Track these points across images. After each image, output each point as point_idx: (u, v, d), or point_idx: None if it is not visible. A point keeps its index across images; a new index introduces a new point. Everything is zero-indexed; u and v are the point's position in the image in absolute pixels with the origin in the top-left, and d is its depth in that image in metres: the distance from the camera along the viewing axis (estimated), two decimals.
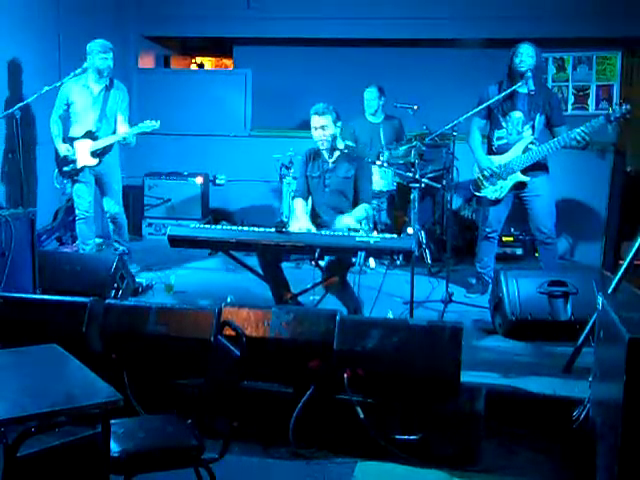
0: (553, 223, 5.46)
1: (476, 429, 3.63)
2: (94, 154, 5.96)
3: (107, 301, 4.12)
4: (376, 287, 4.78)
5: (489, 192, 5.48)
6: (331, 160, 4.97)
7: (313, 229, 4.78)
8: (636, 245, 3.70)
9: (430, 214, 7.46)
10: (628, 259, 3.71)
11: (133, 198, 7.80)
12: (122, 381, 3.73)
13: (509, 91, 5.26)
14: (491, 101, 5.29)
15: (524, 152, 5.34)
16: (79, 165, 5.96)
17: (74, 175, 6.00)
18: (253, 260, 4.92)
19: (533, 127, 5.37)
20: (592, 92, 7.72)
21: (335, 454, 3.67)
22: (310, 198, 5.13)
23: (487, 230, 5.60)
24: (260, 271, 4.90)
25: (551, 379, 4.06)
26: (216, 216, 7.95)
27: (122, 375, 3.77)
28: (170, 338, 3.83)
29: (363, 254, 4.44)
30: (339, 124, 4.93)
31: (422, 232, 6.57)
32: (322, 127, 4.84)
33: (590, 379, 3.49)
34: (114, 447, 2.62)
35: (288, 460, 3.65)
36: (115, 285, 5.25)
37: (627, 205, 6.95)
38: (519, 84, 5.23)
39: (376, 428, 3.61)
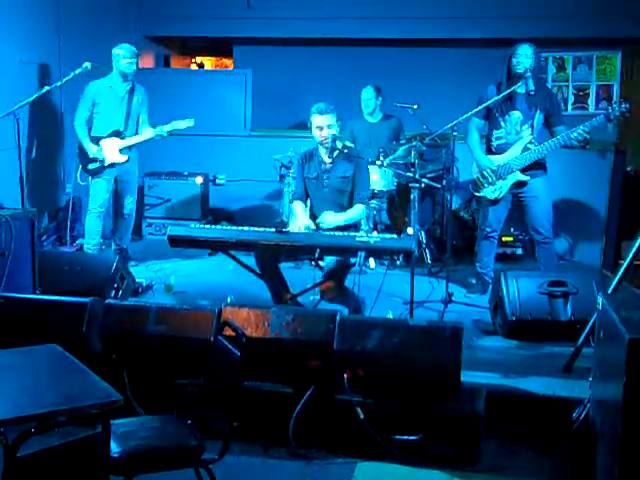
0: (550, 223, 5.46)
1: (476, 429, 3.63)
2: (123, 151, 6.17)
3: (107, 301, 4.12)
4: (376, 287, 4.77)
5: (488, 192, 5.49)
6: (329, 160, 4.96)
7: (313, 226, 4.77)
8: (636, 245, 3.70)
9: (430, 214, 7.45)
10: (628, 259, 3.71)
11: None
12: (122, 381, 3.73)
13: (508, 91, 5.26)
14: (490, 101, 5.29)
15: (523, 152, 5.34)
16: (107, 162, 6.13)
17: (98, 172, 6.16)
18: (253, 260, 4.91)
19: (532, 127, 5.37)
20: (592, 92, 7.72)
21: (335, 454, 3.67)
22: (309, 200, 5.13)
23: (487, 230, 5.60)
24: (259, 271, 4.89)
25: (551, 379, 4.06)
26: (216, 216, 7.95)
27: (122, 375, 3.77)
28: (170, 338, 3.83)
29: (363, 254, 4.44)
30: (339, 124, 4.93)
31: (422, 232, 6.57)
32: (326, 126, 4.84)
33: (590, 379, 3.49)
34: (114, 447, 2.62)
35: (288, 460, 3.65)
36: (115, 285, 5.25)
37: (627, 205, 6.94)
38: (518, 84, 5.23)
39: (376, 428, 3.61)
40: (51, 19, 6.87)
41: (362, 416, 3.62)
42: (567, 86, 7.79)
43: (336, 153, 4.96)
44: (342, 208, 4.94)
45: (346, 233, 4.55)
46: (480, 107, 5.32)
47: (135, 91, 6.27)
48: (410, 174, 5.92)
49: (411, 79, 7.92)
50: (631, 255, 3.71)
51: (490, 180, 5.45)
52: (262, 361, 3.72)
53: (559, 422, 3.67)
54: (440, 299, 5.32)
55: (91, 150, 6.11)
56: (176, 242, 4.71)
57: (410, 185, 6.15)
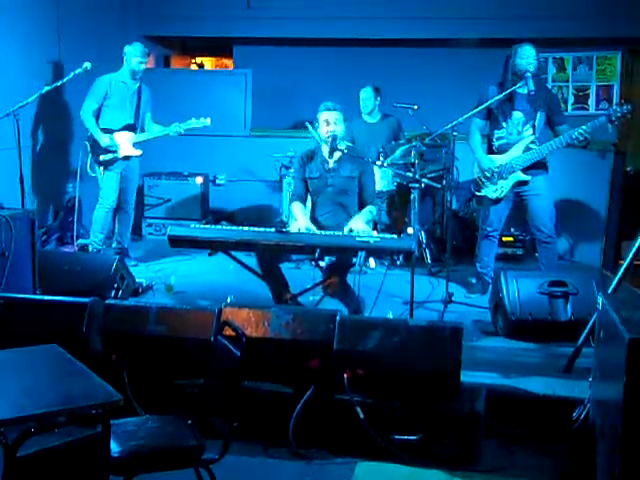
0: (553, 222, 5.46)
1: (476, 429, 3.63)
2: (135, 146, 6.27)
3: (107, 301, 4.12)
4: (376, 287, 4.77)
5: (489, 192, 5.49)
6: (332, 160, 4.96)
7: (313, 228, 4.77)
8: (636, 245, 3.70)
9: (430, 214, 7.46)
10: (628, 259, 3.71)
11: None
12: (122, 381, 3.72)
13: (509, 91, 5.26)
14: (491, 101, 5.29)
15: (525, 152, 5.34)
16: (121, 155, 6.21)
17: (109, 165, 6.22)
18: (253, 260, 4.92)
19: (533, 127, 5.37)
20: (592, 92, 7.71)
21: (335, 454, 3.67)
22: (310, 200, 5.13)
23: (488, 229, 5.61)
24: (259, 271, 4.89)
25: (551, 379, 4.06)
26: (216, 216, 7.94)
27: (122, 375, 3.77)
28: (170, 338, 3.82)
29: (363, 254, 4.44)
30: (345, 124, 4.94)
31: (422, 232, 6.57)
32: (334, 122, 4.85)
33: (590, 379, 3.49)
34: (114, 447, 2.62)
35: (288, 460, 3.65)
36: (115, 285, 5.25)
37: (627, 205, 6.95)
38: (519, 85, 5.23)
39: (376, 428, 3.61)
40: (51, 19, 6.87)
41: (362, 416, 3.62)
42: (567, 86, 7.79)
43: (339, 154, 4.95)
44: (344, 209, 4.95)
45: (346, 233, 4.55)
46: (481, 107, 5.32)
47: (142, 90, 6.38)
48: (410, 174, 5.92)
49: (411, 79, 7.92)
50: (631, 255, 3.70)
51: (491, 180, 5.45)
52: (262, 361, 3.72)
53: (559, 422, 3.67)
54: (440, 299, 5.33)
55: (103, 140, 6.17)
56: (176, 242, 4.71)
57: (410, 185, 6.16)
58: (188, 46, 9.96)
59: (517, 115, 5.39)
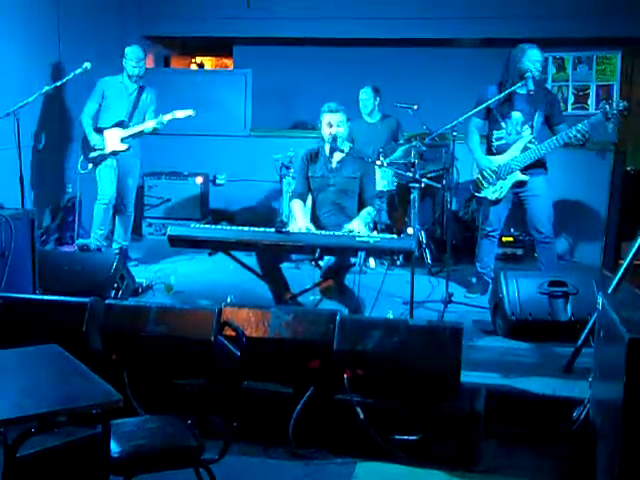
0: (551, 223, 5.46)
1: (476, 429, 3.62)
2: (124, 141, 6.25)
3: (107, 301, 4.12)
4: (376, 287, 4.77)
5: (489, 192, 5.49)
6: (335, 160, 4.97)
7: (312, 228, 4.77)
8: (636, 245, 3.69)
9: (430, 214, 7.46)
10: (628, 259, 3.71)
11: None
12: (122, 381, 3.73)
13: (508, 91, 5.26)
14: (490, 101, 5.29)
15: (523, 151, 5.34)
16: (107, 150, 6.22)
17: (99, 161, 6.24)
18: (253, 260, 4.92)
19: (532, 127, 5.37)
20: (592, 92, 7.72)
21: (335, 454, 3.67)
22: (311, 199, 5.13)
23: (487, 229, 5.61)
24: (259, 271, 4.90)
25: (551, 379, 4.06)
26: (216, 216, 7.94)
27: (122, 375, 3.77)
28: (170, 338, 3.82)
29: (363, 254, 4.44)
30: (348, 125, 4.94)
31: (422, 232, 6.57)
32: (336, 124, 4.85)
33: (590, 379, 3.49)
34: (114, 447, 2.62)
35: (288, 460, 3.65)
36: (115, 285, 5.25)
37: (627, 205, 6.95)
38: (518, 85, 5.23)
39: (376, 428, 3.61)
40: (51, 19, 6.87)
41: (362, 416, 3.62)
42: (567, 86, 7.79)
43: (342, 155, 4.95)
44: (343, 209, 4.95)
45: (346, 233, 4.55)
46: (480, 107, 5.32)
47: (145, 90, 6.40)
48: (410, 174, 5.92)
49: (411, 79, 7.91)
50: (631, 255, 3.70)
51: (490, 180, 5.45)
52: (262, 361, 3.72)
53: (559, 422, 3.67)
54: (440, 299, 5.32)
55: (93, 138, 6.22)
56: (176, 242, 4.71)
57: (410, 185, 6.16)
58: (188, 46, 9.96)
59: (516, 115, 5.39)
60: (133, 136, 6.30)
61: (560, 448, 3.66)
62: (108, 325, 3.92)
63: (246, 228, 4.69)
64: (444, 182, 6.56)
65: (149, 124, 6.29)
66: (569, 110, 7.66)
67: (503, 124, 5.44)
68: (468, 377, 3.78)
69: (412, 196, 6.34)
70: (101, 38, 6.57)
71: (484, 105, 5.31)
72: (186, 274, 6.31)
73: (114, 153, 6.26)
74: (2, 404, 2.31)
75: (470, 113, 5.31)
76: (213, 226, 4.88)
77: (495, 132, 5.50)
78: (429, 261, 6.50)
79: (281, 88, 8.46)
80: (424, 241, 6.56)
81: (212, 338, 3.59)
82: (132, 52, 6.28)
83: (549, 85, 7.57)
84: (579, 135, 5.13)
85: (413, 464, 3.58)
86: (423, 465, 3.58)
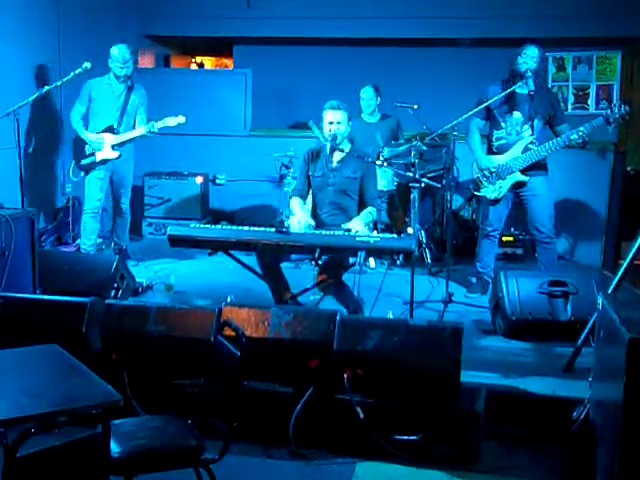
0: (552, 223, 5.46)
1: (476, 429, 3.62)
2: (114, 148, 6.14)
3: (107, 301, 4.12)
4: (376, 287, 4.78)
5: (488, 192, 5.49)
6: (336, 159, 4.96)
7: (311, 222, 4.78)
8: (636, 245, 3.70)
9: (430, 214, 7.46)
10: (628, 259, 3.71)
11: (133, 198, 7.78)
12: (122, 381, 3.73)
13: (508, 91, 5.26)
14: (491, 101, 5.29)
15: (524, 152, 5.34)
16: (98, 158, 6.13)
17: (90, 169, 6.16)
18: (253, 260, 4.92)
19: (532, 127, 5.37)
20: (592, 92, 7.71)
21: (335, 454, 3.66)
22: (311, 197, 5.13)
23: (488, 229, 5.61)
24: (259, 271, 4.90)
25: (551, 379, 4.06)
26: (216, 216, 7.94)
27: (122, 375, 3.77)
28: (170, 338, 3.82)
29: (363, 254, 4.43)
30: (350, 123, 4.94)
31: (422, 232, 6.57)
32: (337, 122, 4.84)
33: (590, 379, 3.49)
34: (114, 447, 2.62)
35: (288, 460, 3.65)
36: (115, 285, 5.25)
37: (627, 205, 6.95)
38: (518, 84, 5.23)
39: (376, 428, 3.61)
40: (51, 19, 6.87)
41: (362, 416, 3.62)
42: (567, 86, 7.79)
43: (343, 154, 4.94)
44: (343, 208, 4.95)
45: (346, 233, 4.55)
46: (480, 107, 5.32)
47: (133, 91, 6.26)
48: (410, 174, 5.92)
49: (411, 79, 7.92)
50: (631, 255, 3.70)
51: (490, 180, 5.45)
52: (262, 361, 3.72)
53: (559, 422, 3.67)
54: (440, 299, 5.33)
55: (90, 138, 6.12)
56: (176, 242, 4.71)
57: (410, 185, 6.16)
58: (188, 46, 9.96)
59: (516, 115, 5.39)
60: (124, 143, 6.18)
61: (560, 448, 3.66)
62: (108, 325, 3.92)
63: (246, 228, 4.70)
64: (444, 182, 6.56)
65: (139, 131, 6.18)
66: (569, 110, 7.66)
67: (503, 124, 5.44)
68: (468, 377, 3.78)
69: (412, 196, 6.34)
70: (101, 38, 6.55)
71: (484, 105, 5.31)
72: (186, 274, 6.31)
73: (104, 161, 6.16)
74: (2, 404, 2.31)
75: (470, 113, 5.31)
76: (213, 226, 4.87)
77: (495, 132, 5.50)
78: (429, 261, 6.50)
79: (281, 88, 8.47)
80: (424, 241, 6.56)
81: (212, 338, 3.59)
82: (118, 52, 6.08)
83: (549, 85, 7.56)
84: (579, 139, 5.13)
85: (413, 464, 3.58)
86: (423, 465, 3.57)
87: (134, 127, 6.27)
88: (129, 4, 8.26)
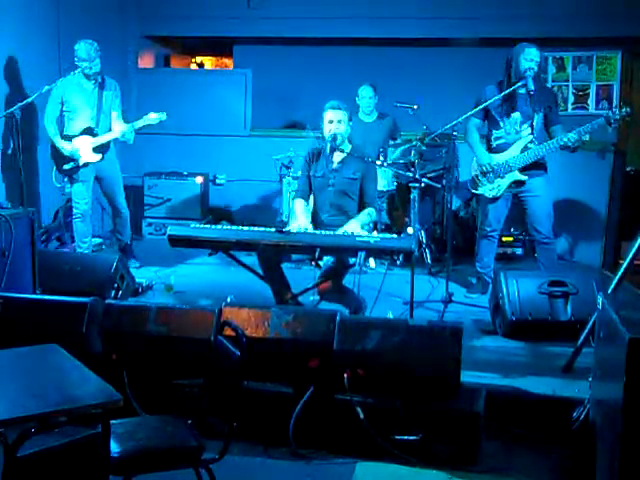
0: (551, 223, 5.46)
1: (476, 429, 3.62)
2: (96, 150, 6.02)
3: (107, 301, 4.13)
4: (376, 287, 4.77)
5: (486, 190, 5.49)
6: (337, 160, 4.96)
7: (310, 227, 4.78)
8: (636, 245, 3.69)
9: (430, 214, 7.46)
10: (628, 259, 3.71)
11: (133, 198, 7.79)
12: (122, 381, 3.73)
13: (508, 91, 5.26)
14: (490, 101, 5.29)
15: (523, 151, 5.34)
16: (81, 162, 6.00)
17: (73, 174, 6.04)
18: (253, 260, 4.92)
19: (532, 126, 5.37)
20: (592, 92, 7.71)
21: (335, 454, 3.67)
22: (312, 198, 5.13)
23: (487, 229, 5.61)
24: (260, 271, 4.90)
25: (551, 379, 4.06)
26: (216, 216, 7.95)
27: (122, 375, 3.77)
28: (170, 338, 3.82)
29: (363, 254, 4.44)
30: (351, 124, 4.93)
31: (422, 232, 6.57)
32: (337, 121, 4.84)
33: (590, 379, 3.49)
34: (114, 447, 2.62)
35: (288, 460, 3.65)
36: (115, 285, 5.25)
37: (627, 205, 6.95)
38: (518, 84, 5.23)
39: (376, 428, 3.61)
40: (51, 19, 6.87)
41: (362, 416, 3.62)
42: (567, 86, 7.79)
43: (344, 155, 4.94)
44: (343, 209, 4.94)
45: (346, 233, 4.56)
46: (479, 107, 5.32)
47: (105, 86, 6.05)
48: (410, 174, 5.92)
49: (411, 79, 7.92)
50: (631, 255, 3.70)
51: (488, 178, 5.45)
52: (262, 361, 3.72)
53: (559, 422, 3.67)
54: (440, 299, 5.33)
55: (65, 148, 5.96)
56: (176, 242, 4.71)
57: (410, 185, 6.16)
58: (188, 46, 9.96)
59: (515, 115, 5.39)
60: (105, 144, 6.04)
61: (560, 448, 3.66)
62: (108, 325, 3.92)
63: (246, 228, 4.70)
64: (444, 182, 6.56)
65: (117, 130, 6.01)
66: (569, 110, 7.66)
67: (502, 124, 5.44)
68: (468, 377, 3.78)
69: (412, 196, 6.34)
70: (101, 38, 6.55)
71: (483, 105, 5.31)
72: (186, 274, 6.31)
73: (87, 165, 6.02)
74: (2, 404, 2.31)
75: (469, 113, 5.31)
76: (213, 226, 4.88)
77: (494, 132, 5.49)
78: (429, 261, 6.50)
79: (281, 88, 8.46)
80: (424, 241, 6.56)
81: (212, 338, 3.59)
82: (83, 51, 5.81)
83: (549, 85, 7.56)
84: (578, 137, 5.13)
85: (413, 464, 3.58)
86: (423, 465, 3.57)
87: (111, 126, 6.10)
88: (129, 4, 8.26)
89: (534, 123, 5.36)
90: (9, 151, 6.02)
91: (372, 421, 3.62)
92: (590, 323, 3.93)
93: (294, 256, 6.28)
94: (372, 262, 6.49)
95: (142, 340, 3.86)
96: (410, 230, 6.34)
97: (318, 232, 4.64)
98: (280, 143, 7.64)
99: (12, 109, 5.44)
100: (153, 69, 9.04)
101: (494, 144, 5.51)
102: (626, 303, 3.11)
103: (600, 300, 3.28)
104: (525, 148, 5.34)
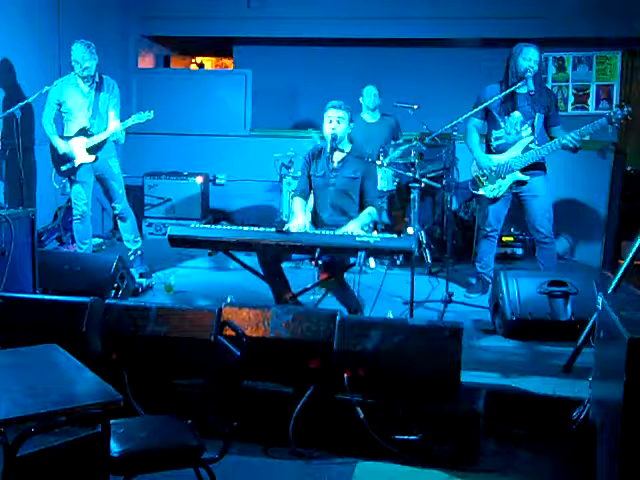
0: (551, 223, 5.45)
1: (476, 429, 3.62)
2: (90, 151, 5.92)
3: (107, 301, 4.12)
4: (376, 287, 4.77)
5: (487, 190, 5.49)
6: (337, 160, 4.97)
7: (308, 226, 4.78)
8: (636, 245, 3.70)
9: (430, 214, 7.46)
10: (628, 259, 3.71)
11: (133, 198, 7.78)
12: (122, 381, 3.72)
13: (508, 91, 5.26)
14: (490, 101, 5.29)
15: (524, 152, 5.34)
16: (77, 163, 5.92)
17: (71, 174, 5.97)
18: (253, 260, 4.92)
19: (532, 126, 5.36)
20: (592, 92, 7.72)
21: (335, 454, 3.67)
22: (312, 197, 5.14)
23: (487, 229, 5.61)
24: (260, 271, 4.90)
25: (551, 379, 4.06)
26: (216, 216, 7.95)
27: (122, 375, 3.77)
28: (170, 338, 3.82)
29: (363, 254, 4.44)
30: (352, 125, 4.93)
31: (422, 232, 6.57)
32: (337, 120, 4.84)
33: (590, 379, 3.49)
34: (114, 447, 2.62)
35: (288, 460, 3.65)
36: (115, 285, 5.25)
37: (627, 205, 6.95)
38: (519, 85, 5.23)
39: (376, 428, 3.61)
40: (51, 19, 6.87)
41: (362, 416, 3.62)
42: (567, 86, 7.80)
43: (344, 154, 4.95)
44: (343, 209, 4.95)
45: (346, 233, 4.56)
46: (479, 107, 5.32)
47: (103, 86, 5.95)
48: (410, 174, 5.92)
49: (411, 79, 7.92)
50: (631, 255, 3.71)
51: (489, 179, 5.45)
52: (262, 361, 3.72)
53: (559, 422, 3.67)
54: (440, 299, 5.33)
55: (60, 146, 5.88)
56: (176, 242, 4.71)
57: (410, 185, 6.16)
58: (188, 46, 9.96)
59: (516, 115, 5.38)
60: (99, 145, 5.92)
61: (560, 448, 3.66)
62: (108, 325, 3.92)
63: (246, 228, 4.70)
64: (444, 182, 6.56)
65: (110, 129, 5.89)
66: (569, 110, 7.67)
67: (502, 124, 5.44)
68: (468, 377, 3.78)
69: (412, 196, 6.34)
70: (101, 38, 6.55)
71: (483, 105, 5.31)
72: (186, 274, 6.31)
73: (81, 165, 5.92)
74: (2, 404, 2.31)
75: (470, 113, 5.31)
76: (213, 226, 4.88)
77: (494, 132, 5.49)
78: (429, 261, 6.50)
79: (281, 88, 8.47)
80: (424, 241, 6.55)
81: (212, 338, 3.59)
82: (76, 52, 5.73)
83: (549, 85, 7.57)
84: (579, 138, 5.13)
85: (413, 464, 3.58)
86: (423, 465, 3.58)
87: (107, 126, 5.99)
88: (129, 4, 8.26)
89: (535, 123, 5.36)
90: (9, 151, 6.03)
91: (372, 421, 3.62)
92: (590, 323, 3.94)
93: (294, 255, 6.27)
94: (372, 262, 6.46)
95: (142, 340, 3.86)
96: (410, 230, 6.34)
97: (318, 232, 4.64)
98: (280, 143, 7.64)
99: (12, 109, 5.45)
100: (153, 69, 9.04)
101: (494, 144, 5.50)
102: (626, 303, 3.11)
103: (600, 300, 3.28)
104: (527, 149, 5.33)
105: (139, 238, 6.31)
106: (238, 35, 8.57)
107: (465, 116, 5.26)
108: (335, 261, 4.67)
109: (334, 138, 4.86)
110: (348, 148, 4.98)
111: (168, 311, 3.95)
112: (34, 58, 6.59)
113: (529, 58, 5.21)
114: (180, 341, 3.79)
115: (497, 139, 5.48)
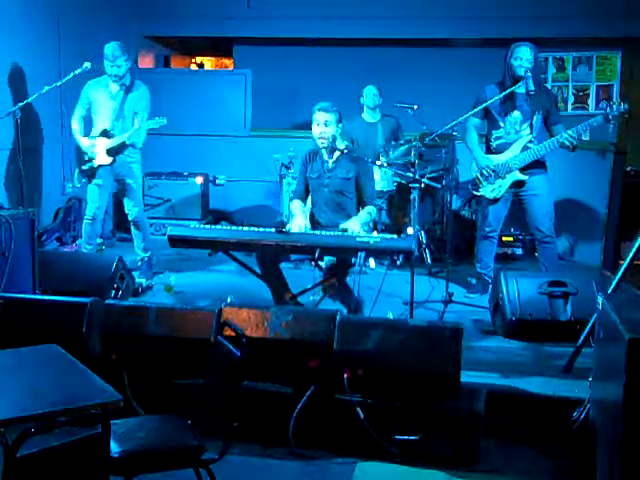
0: (552, 222, 5.45)
1: (476, 429, 3.63)
2: (109, 152, 5.91)
3: (107, 301, 4.13)
4: (376, 287, 4.77)
5: (487, 191, 5.49)
6: (331, 160, 4.97)
7: (308, 226, 4.78)
8: (636, 245, 3.69)
9: (430, 214, 7.46)
10: (628, 259, 3.71)
11: None
12: (122, 381, 3.73)
13: (508, 92, 5.26)
14: (490, 101, 5.29)
15: (522, 151, 5.34)
16: (96, 164, 5.92)
17: (91, 175, 5.96)
18: (253, 260, 4.92)
19: (531, 126, 5.37)
20: (592, 92, 7.72)
21: (335, 454, 3.67)
22: (309, 199, 5.14)
23: (487, 229, 5.61)
24: (259, 271, 4.90)
25: (551, 379, 4.06)
26: (216, 216, 7.95)
27: (122, 375, 3.77)
28: (170, 338, 3.82)
29: (363, 254, 4.43)
30: (340, 126, 4.93)
31: (422, 232, 6.57)
32: (324, 123, 4.83)
33: (590, 379, 3.49)
34: (114, 447, 2.62)
35: (288, 460, 3.65)
36: (115, 285, 5.25)
37: (627, 205, 6.95)
38: (518, 85, 5.23)
39: (376, 428, 3.61)
40: (51, 19, 6.88)
41: (362, 416, 3.62)
42: (567, 86, 7.80)
43: (337, 154, 4.95)
44: (341, 209, 4.95)
45: (346, 233, 4.56)
46: (479, 107, 5.32)
47: (132, 90, 5.97)
48: (410, 174, 5.92)
49: (411, 79, 7.92)
50: (631, 255, 3.70)
51: (489, 179, 5.45)
52: (262, 361, 3.72)
53: (559, 422, 3.67)
54: (440, 299, 5.32)
55: (83, 143, 5.91)
56: (176, 242, 4.71)
57: (410, 185, 6.15)
58: (188, 46, 9.97)
59: (515, 114, 5.39)
60: (119, 148, 5.88)
61: (560, 448, 3.66)
62: (108, 325, 3.92)
63: (246, 228, 4.70)
64: (444, 182, 6.56)
65: (122, 139, 5.85)
66: (569, 110, 7.66)
67: (502, 123, 5.44)
68: (468, 377, 3.78)
69: (412, 196, 6.33)
70: (101, 38, 6.55)
71: (482, 105, 5.31)
72: (186, 274, 6.31)
73: (100, 167, 5.90)
74: (2, 404, 2.31)
75: (469, 113, 5.31)
76: (213, 226, 4.88)
77: (494, 131, 5.49)
78: (429, 261, 6.50)
79: (281, 88, 8.47)
80: (424, 241, 6.56)
81: (212, 338, 3.59)
82: (107, 50, 5.81)
83: (549, 85, 7.57)
84: (576, 136, 5.13)
85: (413, 464, 3.58)
86: (423, 465, 3.58)
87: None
88: (129, 4, 8.26)
89: (533, 122, 5.37)
90: (9, 151, 6.03)
91: (372, 421, 3.62)
92: (590, 323, 3.93)
93: (293, 256, 6.28)
94: (372, 262, 6.47)
95: (142, 340, 3.86)
96: (410, 230, 6.33)
97: (318, 232, 4.64)
98: (280, 143, 7.64)
99: (12, 109, 5.44)
100: (153, 69, 9.05)
101: (494, 144, 5.51)
102: (626, 303, 3.11)
103: (600, 300, 3.28)
104: (525, 148, 5.34)
105: (149, 249, 6.20)
106: (238, 35, 8.57)
107: (465, 116, 5.26)
108: (339, 265, 4.66)
109: (333, 139, 4.85)
110: (342, 147, 4.97)
111: (168, 311, 3.96)
112: (34, 58, 6.58)
113: (520, 57, 5.22)
114: (180, 341, 3.79)
115: (497, 139, 5.49)
